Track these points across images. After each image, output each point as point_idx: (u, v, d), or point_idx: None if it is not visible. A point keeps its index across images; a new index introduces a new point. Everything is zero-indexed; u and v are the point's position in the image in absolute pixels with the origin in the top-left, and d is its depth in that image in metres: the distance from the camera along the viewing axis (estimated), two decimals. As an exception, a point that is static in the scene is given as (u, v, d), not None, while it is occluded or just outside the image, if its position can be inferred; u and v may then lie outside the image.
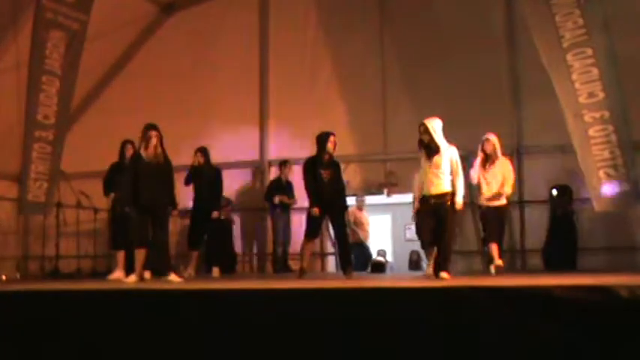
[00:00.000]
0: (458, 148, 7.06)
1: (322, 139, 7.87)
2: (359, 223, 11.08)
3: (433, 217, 6.96)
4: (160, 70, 11.75)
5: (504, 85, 10.28)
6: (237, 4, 11.81)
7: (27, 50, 8.91)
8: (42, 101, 9.05)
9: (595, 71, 8.04)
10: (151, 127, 7.37)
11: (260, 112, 11.61)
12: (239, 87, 11.63)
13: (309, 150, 8.35)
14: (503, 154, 8.30)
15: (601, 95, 8.03)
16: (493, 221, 8.07)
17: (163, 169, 7.45)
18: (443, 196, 6.88)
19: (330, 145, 7.84)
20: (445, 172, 6.91)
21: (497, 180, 8.01)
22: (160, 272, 7.57)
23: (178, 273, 7.57)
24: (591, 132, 8.09)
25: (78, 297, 5.68)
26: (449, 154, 6.93)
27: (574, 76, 8.12)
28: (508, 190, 8.06)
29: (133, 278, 7.32)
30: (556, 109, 8.36)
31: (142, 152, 7.36)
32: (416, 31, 10.84)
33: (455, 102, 9.95)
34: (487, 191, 8.05)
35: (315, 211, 7.71)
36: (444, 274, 6.67)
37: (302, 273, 7.80)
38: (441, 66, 10.49)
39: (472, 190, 8.33)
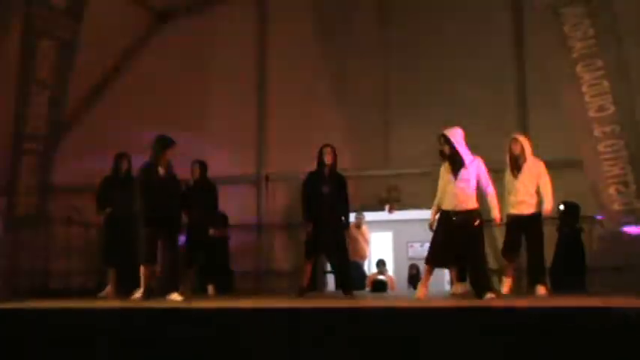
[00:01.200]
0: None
1: (318, 152, 8.08)
2: (354, 241, 11.01)
3: (455, 236, 6.78)
4: (154, 80, 11.73)
5: (511, 96, 10.28)
6: (234, 14, 11.82)
7: (16, 59, 8.96)
8: (31, 112, 9.07)
9: (605, 83, 8.01)
10: (172, 141, 7.48)
11: (257, 124, 11.62)
12: (236, 98, 11.64)
13: (307, 163, 8.38)
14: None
15: (611, 109, 8.02)
16: (517, 232, 7.68)
17: (173, 184, 7.52)
18: (469, 213, 6.75)
19: (327, 158, 7.98)
20: (472, 187, 6.79)
21: (528, 189, 7.64)
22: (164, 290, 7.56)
23: (180, 292, 7.54)
24: (601, 147, 8.09)
25: (82, 316, 5.73)
26: (475, 167, 6.82)
27: (584, 89, 8.10)
28: (547, 205, 7.56)
29: (138, 295, 7.40)
30: (564, 122, 8.37)
31: (159, 165, 7.42)
32: (419, 40, 10.85)
33: (459, 114, 9.96)
34: (515, 197, 7.66)
35: (309, 228, 7.92)
36: (489, 295, 6.51)
37: (302, 291, 7.90)
38: (446, 75, 10.51)
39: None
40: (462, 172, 6.77)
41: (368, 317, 5.16)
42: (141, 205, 7.38)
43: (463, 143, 6.85)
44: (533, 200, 7.66)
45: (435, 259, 6.99)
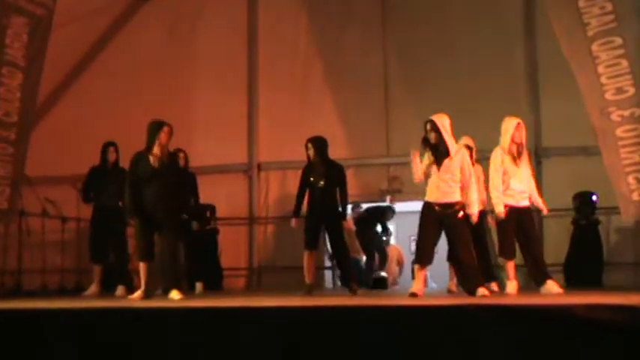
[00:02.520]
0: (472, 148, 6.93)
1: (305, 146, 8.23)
2: (351, 235, 10.95)
3: (438, 229, 6.82)
4: (136, 62, 11.62)
5: (521, 79, 10.27)
6: (222, -7, 11.78)
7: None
8: (2, 96, 8.92)
9: (624, 63, 7.88)
10: (164, 123, 7.41)
11: (248, 110, 11.57)
12: (225, 82, 11.55)
13: (303, 152, 8.34)
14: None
15: (631, 91, 7.89)
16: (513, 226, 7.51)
17: (170, 172, 7.46)
18: (452, 205, 6.77)
19: (310, 153, 8.17)
20: (456, 179, 6.79)
21: (527, 180, 7.53)
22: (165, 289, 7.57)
23: (181, 290, 7.49)
24: (619, 132, 7.98)
25: (69, 317, 5.65)
26: (459, 158, 6.82)
27: (600, 69, 7.98)
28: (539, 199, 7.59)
29: (138, 294, 7.35)
30: (579, 107, 8.27)
31: (152, 151, 7.35)
32: (421, 19, 10.82)
33: (465, 99, 9.92)
34: (515, 185, 7.46)
35: (293, 222, 8.20)
36: (482, 291, 6.55)
37: (309, 289, 8.00)
38: (450, 58, 10.49)
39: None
40: (446, 163, 6.77)
41: (356, 316, 5.15)
42: (127, 197, 7.37)
43: (450, 132, 6.85)
44: (528, 192, 7.59)
45: (424, 258, 6.93)
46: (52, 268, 10.40)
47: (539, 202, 7.62)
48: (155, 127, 7.39)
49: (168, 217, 7.40)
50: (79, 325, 5.43)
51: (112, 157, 8.95)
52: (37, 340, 5.39)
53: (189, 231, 8.95)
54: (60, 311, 5.80)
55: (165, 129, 7.37)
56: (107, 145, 8.97)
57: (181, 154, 9.13)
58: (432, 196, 6.83)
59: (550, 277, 7.40)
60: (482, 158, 8.40)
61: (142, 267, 7.40)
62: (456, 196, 6.81)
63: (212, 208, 10.13)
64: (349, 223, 10.65)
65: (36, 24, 9.11)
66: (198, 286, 9.25)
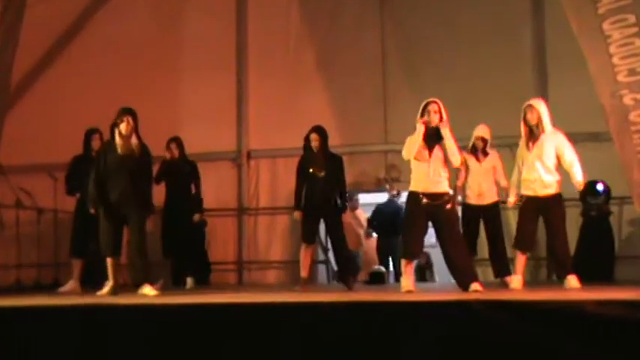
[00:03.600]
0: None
1: (305, 138, 8.34)
2: (347, 226, 10.89)
3: (425, 221, 6.82)
4: (117, 43, 11.50)
5: (527, 61, 10.26)
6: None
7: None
8: (-28, 80, 8.91)
9: (638, 43, 7.85)
10: (124, 111, 7.34)
11: (237, 94, 11.51)
12: (212, 64, 11.46)
13: (295, 139, 8.33)
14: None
15: (645, 72, 7.91)
16: (532, 217, 7.61)
17: (139, 163, 7.39)
18: (441, 196, 6.76)
19: (313, 145, 8.27)
20: (446, 168, 6.81)
21: (546, 164, 7.54)
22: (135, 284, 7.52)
23: (154, 285, 7.52)
24: (632, 116, 7.91)
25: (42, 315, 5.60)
26: (450, 144, 6.79)
27: (612, 49, 7.90)
28: (577, 176, 7.52)
29: (106, 290, 7.35)
30: (589, 90, 8.24)
31: (115, 141, 7.33)
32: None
33: (468, 82, 9.90)
34: (527, 174, 7.60)
35: (297, 215, 8.26)
36: (475, 286, 6.56)
37: (304, 283, 8.17)
38: (452, 40, 10.49)
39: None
40: (437, 150, 6.76)
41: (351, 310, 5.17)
42: (91, 186, 7.39)
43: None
44: (552, 178, 7.56)
45: (412, 252, 6.97)
46: (27, 262, 10.36)
47: (575, 176, 7.54)
48: (116, 116, 7.33)
49: (134, 211, 7.37)
50: (59, 323, 5.40)
51: (96, 145, 8.88)
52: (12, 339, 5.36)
53: (184, 224, 9.11)
54: (38, 309, 5.77)
55: (124, 118, 7.28)
56: (91, 133, 8.89)
57: (173, 145, 9.18)
58: (420, 185, 6.80)
59: (571, 272, 7.41)
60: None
61: (108, 262, 7.41)
62: (444, 186, 6.80)
63: (199, 199, 10.08)
64: (347, 216, 10.67)
65: (8, 1, 9.02)
66: (189, 281, 9.21)
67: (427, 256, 11.76)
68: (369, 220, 11.39)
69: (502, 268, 8.23)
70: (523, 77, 10.15)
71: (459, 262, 6.76)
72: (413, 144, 6.79)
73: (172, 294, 7.38)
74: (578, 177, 7.53)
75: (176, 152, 9.31)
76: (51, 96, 11.55)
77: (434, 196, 6.72)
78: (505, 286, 7.87)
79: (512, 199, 7.67)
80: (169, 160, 9.31)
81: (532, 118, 7.59)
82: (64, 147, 9.11)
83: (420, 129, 6.76)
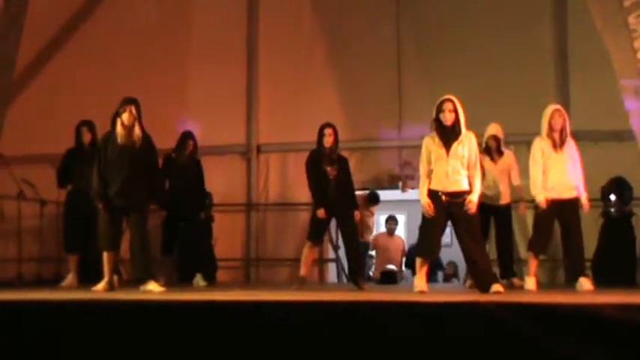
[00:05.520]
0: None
1: (318, 133, 8.33)
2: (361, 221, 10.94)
3: (444, 220, 6.87)
4: (123, 34, 11.52)
5: (548, 58, 10.20)
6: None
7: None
8: (-24, 69, 8.93)
9: (664, 37, 7.86)
10: (127, 101, 7.38)
11: (247, 86, 11.48)
12: (221, 55, 11.45)
13: (305, 133, 8.32)
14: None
15: (671, 68, 7.87)
16: (552, 220, 7.73)
17: (141, 155, 7.40)
18: (461, 194, 6.77)
19: (327, 140, 8.25)
20: (465, 166, 6.80)
21: (570, 169, 7.67)
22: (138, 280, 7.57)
23: (159, 281, 7.56)
24: (656, 115, 7.96)
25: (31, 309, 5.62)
26: (468, 143, 6.81)
27: (637, 44, 7.87)
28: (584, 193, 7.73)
29: (101, 286, 7.34)
30: (612, 87, 8.21)
31: (116, 131, 7.34)
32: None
33: (486, 78, 9.87)
34: (554, 176, 7.68)
35: (321, 212, 8.16)
36: (497, 287, 6.53)
37: (302, 282, 8.14)
38: (470, 34, 10.40)
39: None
40: (455, 147, 6.76)
41: (365, 311, 5.21)
42: (95, 180, 7.40)
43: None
44: (573, 183, 7.68)
45: (429, 251, 7.05)
46: (29, 256, 10.39)
47: (583, 198, 7.72)
48: (119, 106, 7.35)
49: (136, 204, 7.38)
50: (59, 317, 5.42)
51: (86, 137, 8.93)
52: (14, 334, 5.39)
53: (188, 220, 9.16)
54: (38, 303, 5.79)
55: (127, 108, 7.30)
56: (80, 125, 8.97)
57: (190, 142, 9.25)
58: (440, 184, 6.81)
59: (584, 275, 7.52)
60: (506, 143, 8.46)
61: (105, 257, 7.41)
62: (464, 185, 6.80)
63: (207, 194, 10.10)
64: (358, 214, 10.72)
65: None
66: (199, 278, 9.23)
67: (455, 266, 11.83)
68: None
69: (509, 269, 8.42)
70: (543, 73, 10.10)
71: (480, 263, 6.75)
72: (421, 187, 6.99)
73: (175, 291, 7.42)
74: (584, 192, 7.76)
75: (190, 147, 9.31)
76: (56, 86, 11.53)
77: (453, 195, 6.74)
78: (512, 287, 7.91)
79: (542, 198, 7.60)
80: (173, 155, 9.31)
81: (559, 122, 7.69)
82: (69, 137, 9.11)
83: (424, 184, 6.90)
